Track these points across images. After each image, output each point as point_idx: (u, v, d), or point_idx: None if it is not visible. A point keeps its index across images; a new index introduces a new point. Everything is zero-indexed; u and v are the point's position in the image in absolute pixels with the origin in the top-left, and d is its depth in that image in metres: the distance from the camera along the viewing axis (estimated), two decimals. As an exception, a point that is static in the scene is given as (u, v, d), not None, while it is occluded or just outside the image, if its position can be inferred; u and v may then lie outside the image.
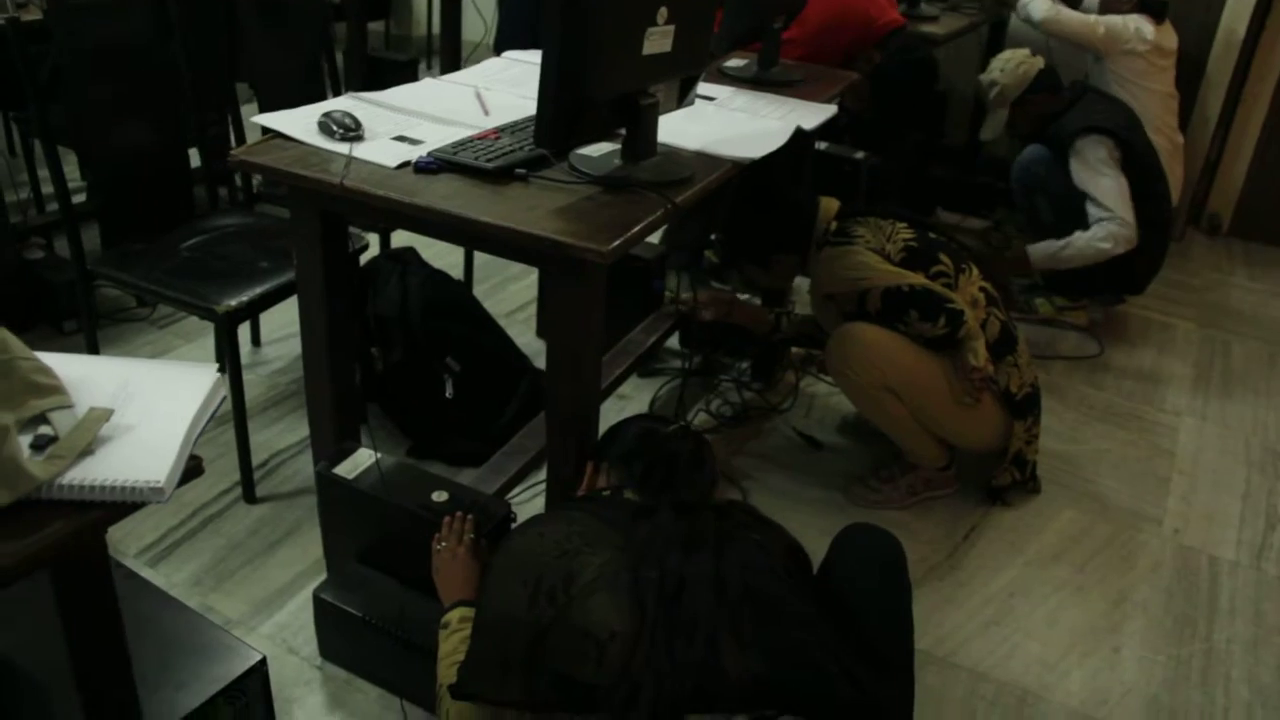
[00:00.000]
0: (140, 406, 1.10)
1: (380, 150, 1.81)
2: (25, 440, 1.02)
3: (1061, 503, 2.62)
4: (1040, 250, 3.34)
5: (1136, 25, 3.65)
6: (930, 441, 2.47)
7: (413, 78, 4.69)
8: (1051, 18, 3.70)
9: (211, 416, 1.13)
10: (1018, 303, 3.52)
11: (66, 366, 1.12)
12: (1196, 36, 4.21)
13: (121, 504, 1.00)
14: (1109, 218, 3.21)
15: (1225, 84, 4.26)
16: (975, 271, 2.45)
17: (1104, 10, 3.77)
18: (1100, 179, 3.23)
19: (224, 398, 1.18)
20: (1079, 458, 2.81)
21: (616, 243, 1.52)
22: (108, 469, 1.01)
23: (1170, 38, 3.76)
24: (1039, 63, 3.38)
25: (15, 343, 1.05)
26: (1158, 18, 3.72)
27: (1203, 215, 4.55)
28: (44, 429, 1.04)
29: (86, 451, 1.02)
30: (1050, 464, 2.69)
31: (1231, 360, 3.43)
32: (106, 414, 1.06)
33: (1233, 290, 4.00)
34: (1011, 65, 3.37)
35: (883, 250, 2.36)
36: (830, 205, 2.48)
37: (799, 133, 2.11)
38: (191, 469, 1.05)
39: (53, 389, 1.07)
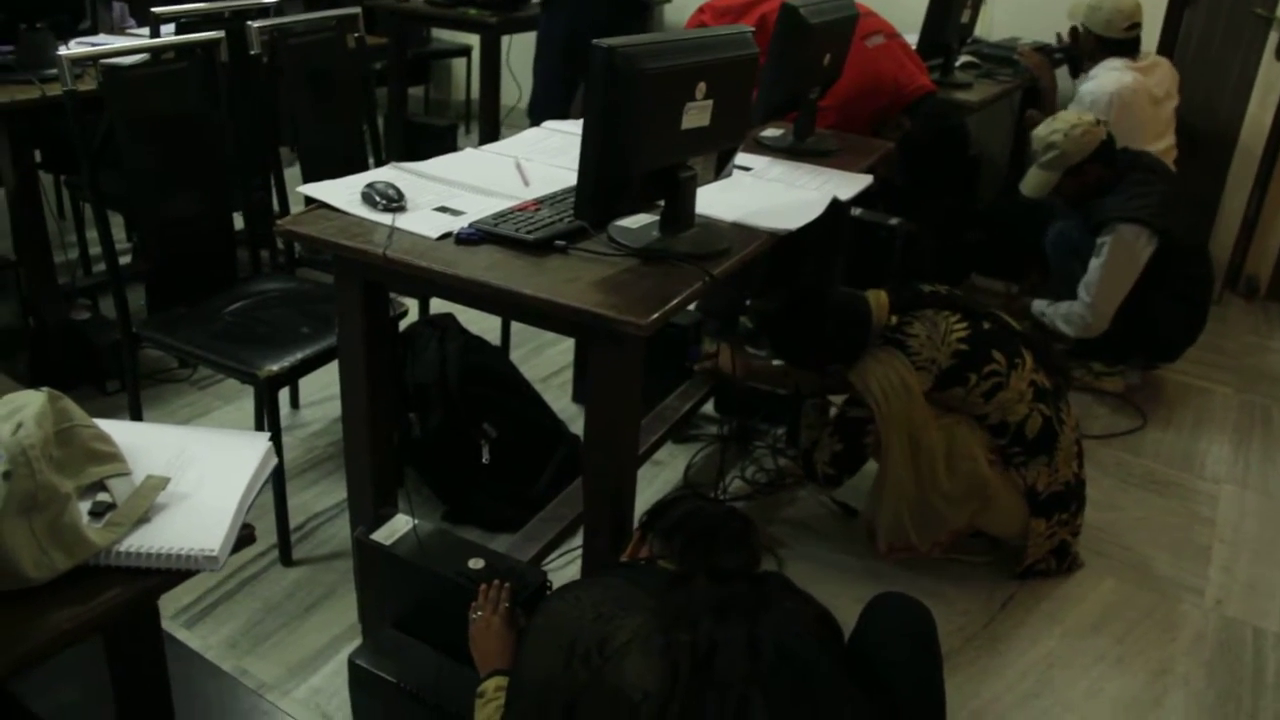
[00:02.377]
0: (195, 474, 1.12)
1: (422, 221, 1.84)
2: (84, 507, 1.04)
3: (1101, 572, 2.59)
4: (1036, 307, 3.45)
5: (1116, 78, 3.64)
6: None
7: (452, 142, 4.81)
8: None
9: (263, 485, 1.16)
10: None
11: (123, 433, 1.15)
12: (1230, 99, 4.23)
13: (176, 571, 1.02)
14: (1086, 304, 3.26)
15: (1261, 146, 4.24)
16: (1029, 362, 2.40)
17: (1088, 61, 3.82)
18: (1105, 268, 3.21)
19: (275, 466, 1.20)
20: (1117, 526, 2.78)
21: (655, 315, 1.55)
22: (164, 537, 1.03)
23: (1163, 80, 3.72)
24: (1102, 133, 3.24)
25: (76, 410, 1.08)
26: (1131, 54, 3.69)
27: (1240, 278, 4.52)
28: (102, 496, 1.06)
29: (143, 519, 1.04)
30: (1088, 533, 2.66)
31: (1271, 426, 3.39)
32: (163, 482, 1.08)
33: (1271, 354, 3.96)
34: (1077, 132, 3.19)
35: (934, 360, 2.31)
36: (880, 300, 2.42)
37: (835, 203, 2.14)
38: (244, 537, 1.07)
39: (111, 456, 1.09)
